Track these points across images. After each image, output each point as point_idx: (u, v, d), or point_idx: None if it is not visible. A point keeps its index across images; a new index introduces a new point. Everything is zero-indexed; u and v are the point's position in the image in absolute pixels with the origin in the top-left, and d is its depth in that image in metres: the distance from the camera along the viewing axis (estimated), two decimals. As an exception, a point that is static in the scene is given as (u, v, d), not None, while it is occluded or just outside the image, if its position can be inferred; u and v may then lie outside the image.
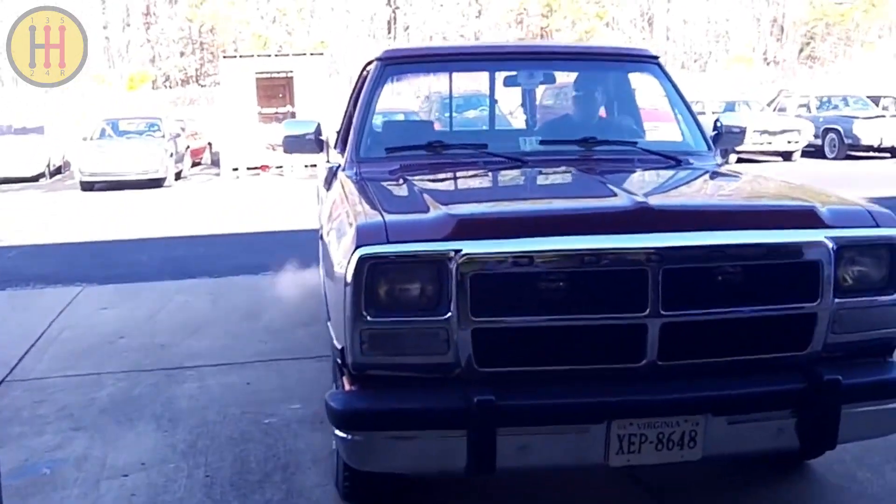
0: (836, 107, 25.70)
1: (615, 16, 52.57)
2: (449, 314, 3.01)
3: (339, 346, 3.22)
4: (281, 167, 22.69)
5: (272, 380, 5.74)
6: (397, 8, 56.13)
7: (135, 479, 4.26)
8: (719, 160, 4.88)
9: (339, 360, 3.25)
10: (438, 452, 3.11)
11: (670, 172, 4.57)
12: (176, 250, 11.58)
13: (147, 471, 4.34)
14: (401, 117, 13.70)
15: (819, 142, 23.96)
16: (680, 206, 3.65)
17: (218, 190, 20.67)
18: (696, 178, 4.50)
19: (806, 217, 3.30)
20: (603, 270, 3.09)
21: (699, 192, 4.37)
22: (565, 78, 5.83)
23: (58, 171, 25.35)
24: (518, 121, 6.56)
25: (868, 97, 26.55)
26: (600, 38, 49.24)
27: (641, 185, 4.24)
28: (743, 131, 5.31)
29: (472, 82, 6.18)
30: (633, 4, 54.77)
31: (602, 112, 5.47)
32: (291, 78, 23.99)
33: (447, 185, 4.41)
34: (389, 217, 3.22)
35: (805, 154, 23.76)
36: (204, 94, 46.88)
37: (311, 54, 26.57)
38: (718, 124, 5.20)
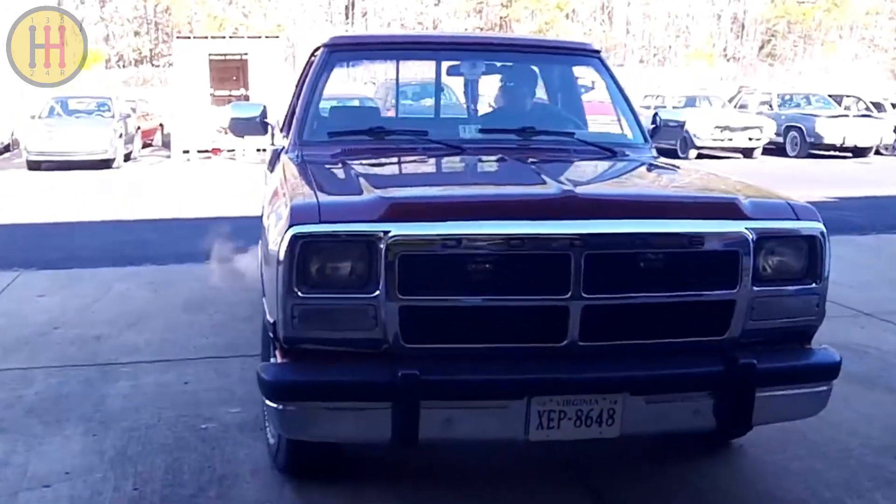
0: (797, 105, 25.71)
1: (575, 8, 52.41)
2: (377, 292, 3.14)
3: (271, 321, 3.33)
4: (233, 150, 22.24)
5: (212, 379, 5.43)
6: (356, -7, 55.63)
7: (57, 490, 3.93)
8: (654, 153, 4.98)
9: (272, 334, 3.36)
10: (364, 423, 3.24)
11: (603, 163, 4.71)
12: (120, 235, 11.19)
13: (71, 480, 4.01)
14: (354, 103, 13.49)
15: (780, 139, 23.96)
16: (603, 194, 3.85)
17: (167, 173, 20.21)
18: (626, 169, 4.65)
19: (727, 209, 3.45)
20: (527, 254, 3.23)
21: (626, 183, 4.53)
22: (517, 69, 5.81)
23: (6, 148, 24.78)
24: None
25: (830, 96, 26.58)
26: (560, 30, 49.10)
27: (571, 175, 4.26)
28: (681, 125, 5.56)
29: (429, 70, 6.02)
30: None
31: (543, 103, 5.68)
32: (246, 61, 23.59)
33: (384, 170, 4.52)
34: (323, 198, 3.38)
35: (766, 151, 23.64)
36: (157, 74, 46.13)
37: (267, 37, 26.21)
38: (657, 119, 5.47)
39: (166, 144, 25.56)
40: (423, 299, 3.19)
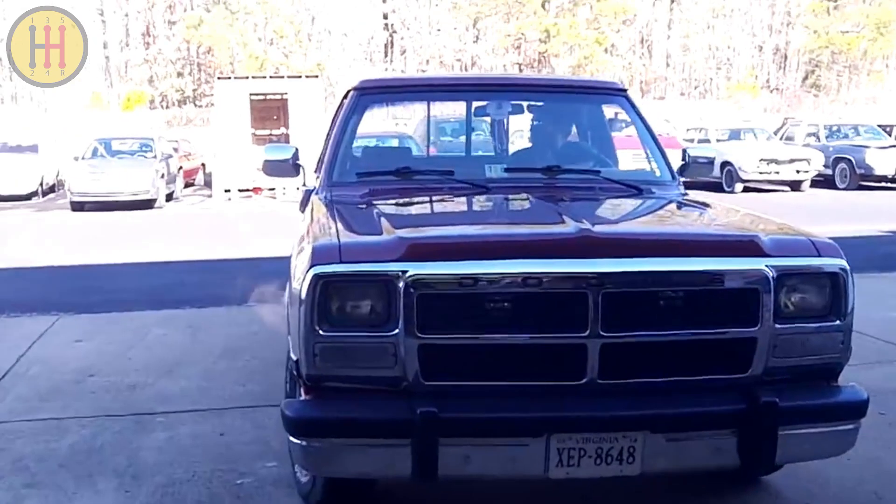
0: (846, 136, 25.13)
1: (614, 42, 52.26)
2: (396, 330, 3.20)
3: (294, 358, 3.42)
4: (273, 189, 22.29)
5: (248, 431, 5.28)
6: (394, 32, 55.93)
7: (86, 551, 3.80)
8: (682, 189, 4.99)
9: (295, 372, 3.45)
10: (385, 459, 3.28)
11: (627, 201, 4.71)
12: (160, 276, 11.14)
13: (101, 540, 3.88)
14: (390, 143, 13.39)
15: (829, 171, 23.36)
16: (620, 233, 3.84)
17: (209, 212, 20.27)
18: (649, 207, 4.61)
19: (746, 246, 3.48)
20: (544, 293, 3.26)
21: (646, 220, 4.50)
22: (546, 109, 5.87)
23: (51, 189, 25.04)
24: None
25: (879, 126, 25.93)
26: (599, 65, 48.93)
27: (592, 213, 4.37)
28: (710, 162, 5.38)
29: (462, 108, 6.04)
30: (634, 30, 54.60)
31: (569, 141, 5.74)
32: (286, 100, 23.69)
33: (406, 210, 4.58)
34: (345, 239, 3.48)
35: (815, 184, 23.15)
36: (200, 114, 46.55)
37: (307, 77, 26.30)
38: (685, 155, 5.47)
39: (208, 184, 25.67)
40: (441, 337, 3.25)
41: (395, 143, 15.59)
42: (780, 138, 25.44)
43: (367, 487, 4.05)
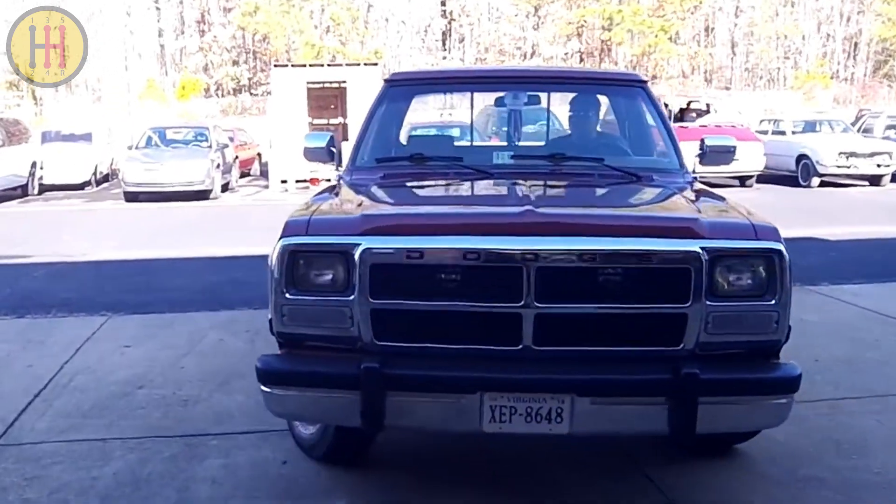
0: (931, 128, 23.63)
1: (679, 30, 50.96)
2: (352, 296, 3.62)
3: (269, 318, 3.84)
4: (330, 180, 21.68)
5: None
6: (453, 20, 55.16)
7: None
8: (688, 177, 5.10)
9: (270, 330, 3.86)
10: (338, 408, 3.72)
11: (614, 187, 4.89)
12: (216, 273, 10.56)
13: None
14: (431, 131, 13.01)
15: (912, 166, 21.93)
16: (560, 214, 4.05)
17: (265, 203, 19.69)
18: (626, 192, 4.86)
19: (681, 229, 3.72)
20: (483, 266, 3.61)
21: (603, 205, 4.72)
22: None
23: (105, 178, 24.78)
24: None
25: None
26: (663, 53, 47.73)
27: (561, 197, 4.87)
28: (731, 150, 5.58)
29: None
30: (698, 18, 53.31)
31: (581, 131, 5.92)
32: (344, 88, 23.09)
33: (396, 192, 4.89)
34: (317, 215, 3.97)
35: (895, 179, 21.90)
36: (255, 103, 46.34)
37: (365, 64, 25.71)
38: (703, 145, 5.54)
39: (264, 174, 25.23)
40: (390, 303, 3.64)
41: (433, 131, 15.00)
42: (858, 130, 24.17)
43: (366, 443, 4.53)
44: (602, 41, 51.66)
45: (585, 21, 50.74)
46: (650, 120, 5.56)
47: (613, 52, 53.71)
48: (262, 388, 3.80)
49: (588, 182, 4.96)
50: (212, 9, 56.99)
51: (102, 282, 10.15)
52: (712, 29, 56.36)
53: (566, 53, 50.34)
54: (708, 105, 23.62)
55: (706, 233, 3.64)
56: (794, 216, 14.98)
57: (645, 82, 5.82)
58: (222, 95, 52.45)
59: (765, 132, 22.75)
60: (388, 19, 56.78)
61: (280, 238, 3.72)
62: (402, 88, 5.94)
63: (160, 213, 17.63)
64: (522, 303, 3.54)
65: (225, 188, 21.81)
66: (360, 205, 4.12)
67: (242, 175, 25.43)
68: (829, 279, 9.31)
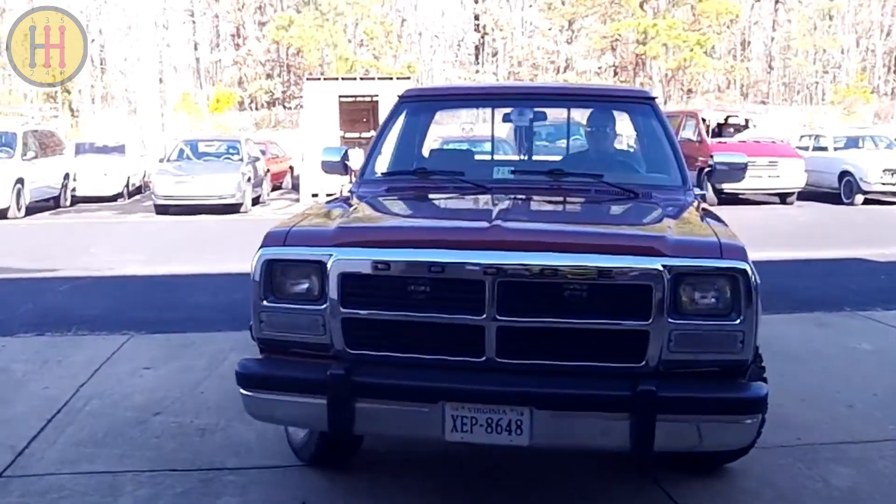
0: (979, 146, 22.78)
1: (715, 44, 50.36)
2: (325, 305, 3.76)
3: (250, 323, 3.96)
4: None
5: (336, 497, 4.37)
6: (486, 34, 54.92)
7: None
8: (690, 194, 5.08)
9: (251, 335, 4.00)
10: (308, 413, 3.82)
11: (602, 204, 4.94)
12: (239, 290, 10.13)
13: None
14: (443, 146, 13.01)
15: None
16: (524, 230, 4.06)
17: (296, 218, 19.42)
18: (608, 209, 4.93)
19: (645, 247, 3.72)
20: (447, 279, 3.68)
21: (576, 220, 4.95)
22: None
23: (138, 190, 24.73)
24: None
25: None
26: (699, 67, 47.14)
27: (538, 212, 4.95)
28: (741, 167, 5.56)
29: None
30: (736, 32, 52.74)
31: (583, 147, 6.15)
32: (376, 102, 22.87)
33: (384, 205, 5.02)
34: (297, 227, 4.09)
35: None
36: (289, 116, 46.34)
37: (398, 78, 25.50)
38: (712, 161, 5.64)
39: (296, 187, 25.06)
40: (360, 313, 3.77)
41: (445, 146, 14.69)
42: (904, 147, 23.47)
43: (354, 446, 4.70)
44: (636, 55, 51.19)
45: (620, 35, 50.30)
46: (656, 136, 5.59)
47: (648, 65, 53.24)
48: (241, 391, 3.93)
49: (579, 198, 5.09)
50: (247, 23, 57.17)
51: (126, 298, 9.92)
52: (748, 43, 55.74)
53: (600, 68, 49.88)
54: (747, 120, 23.16)
55: (669, 251, 3.66)
56: (838, 235, 14.55)
57: (653, 99, 5.84)
58: (256, 108, 52.53)
59: (805, 148, 22.26)
60: (421, 33, 56.71)
61: (259, 248, 3.89)
62: (414, 104, 6.08)
63: (189, 226, 17.47)
64: (485, 315, 3.63)
65: (256, 201, 21.64)
66: (340, 217, 4.33)
67: (274, 188, 25.29)
68: (881, 304, 8.89)
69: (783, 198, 20.73)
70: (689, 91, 50.89)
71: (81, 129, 42.41)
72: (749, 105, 43.75)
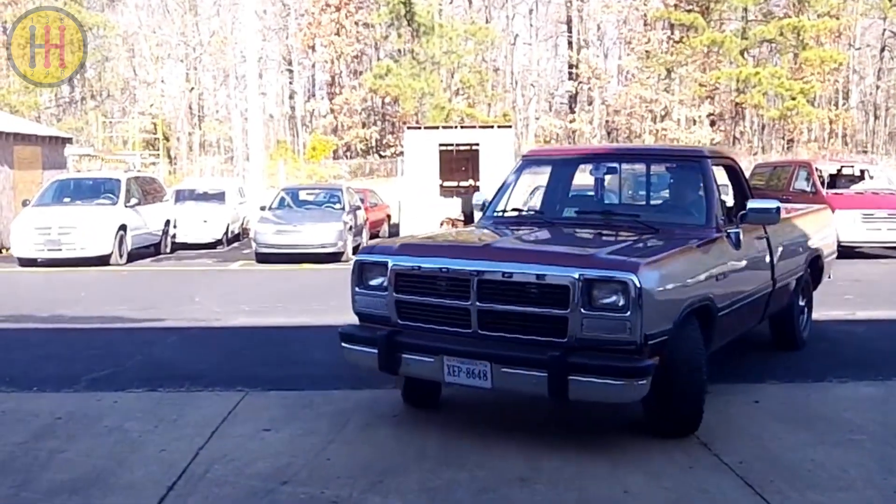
0: None
1: (818, 93, 49.06)
2: (387, 292, 6.19)
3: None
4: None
5: None
6: (581, 82, 54.55)
7: None
8: (709, 232, 6.62)
9: (353, 310, 6.50)
10: (369, 358, 6.19)
11: (616, 234, 6.72)
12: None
13: None
14: (540, 193, 13.01)
15: None
16: (499, 248, 6.45)
17: (397, 268, 19.12)
18: (601, 237, 6.82)
19: (572, 261, 5.69)
20: (450, 277, 5.95)
21: (552, 243, 6.91)
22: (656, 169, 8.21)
23: (236, 238, 24.77)
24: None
25: None
26: (802, 115, 45.87)
27: (540, 238, 6.95)
28: (772, 211, 6.80)
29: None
30: (839, 81, 51.45)
31: (633, 194, 8.55)
32: (477, 151, 22.62)
33: (468, 232, 8.15)
34: (383, 243, 7.04)
35: None
36: (384, 164, 46.45)
37: (499, 126, 25.23)
38: (746, 205, 7.03)
39: (394, 235, 24.83)
40: (406, 297, 6.13)
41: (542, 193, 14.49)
42: None
43: (430, 391, 6.78)
44: (735, 104, 50.19)
45: (720, 83, 49.41)
46: (697, 185, 7.06)
47: (747, 115, 52.16)
48: (342, 344, 6.41)
49: (598, 230, 6.98)
50: (342, 72, 57.78)
51: (237, 351, 9.62)
52: (849, 92, 54.33)
53: (699, 116, 48.97)
54: (863, 171, 22.22)
55: (587, 264, 5.57)
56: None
57: (705, 157, 7.31)
58: (351, 157, 52.85)
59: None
60: (517, 81, 56.59)
61: (355, 255, 6.71)
62: (532, 164, 8.51)
63: (292, 276, 17.30)
64: (470, 302, 5.80)
65: (356, 250, 21.41)
66: (424, 237, 7.25)
67: (372, 237, 25.11)
68: None
69: (903, 251, 19.74)
70: (791, 141, 49.67)
71: (179, 176, 43.08)
72: (854, 156, 42.41)
